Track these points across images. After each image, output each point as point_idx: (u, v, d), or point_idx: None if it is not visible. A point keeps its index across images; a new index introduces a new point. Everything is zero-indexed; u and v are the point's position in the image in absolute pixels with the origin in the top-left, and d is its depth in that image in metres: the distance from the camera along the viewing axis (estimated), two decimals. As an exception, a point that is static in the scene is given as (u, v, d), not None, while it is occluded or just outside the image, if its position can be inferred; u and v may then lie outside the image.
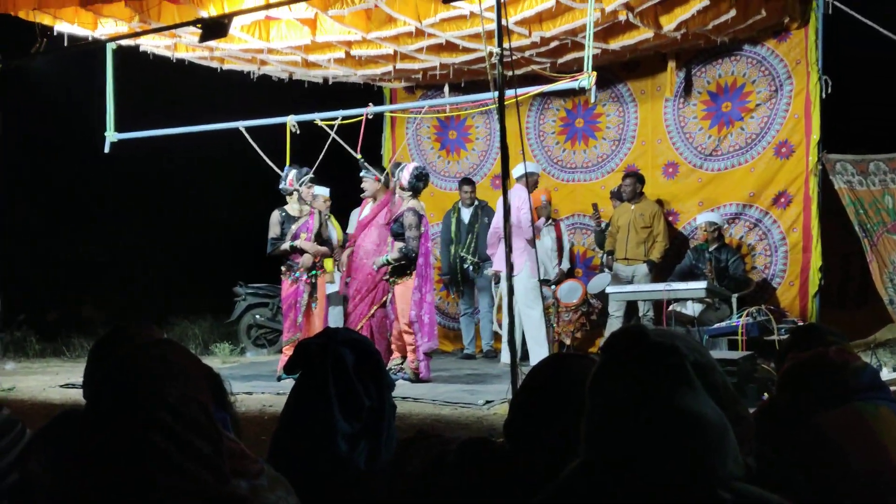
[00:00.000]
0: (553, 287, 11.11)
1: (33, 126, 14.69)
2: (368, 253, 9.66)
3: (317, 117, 9.99)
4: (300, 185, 9.69)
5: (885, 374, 8.01)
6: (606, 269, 11.46)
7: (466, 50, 10.40)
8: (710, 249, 10.63)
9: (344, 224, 11.37)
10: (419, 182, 9.46)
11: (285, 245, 9.59)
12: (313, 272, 9.65)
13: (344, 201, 11.27)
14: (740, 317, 9.42)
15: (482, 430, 6.79)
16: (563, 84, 8.82)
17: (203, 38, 8.80)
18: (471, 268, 11.58)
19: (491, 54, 7.22)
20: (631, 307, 10.98)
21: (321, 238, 9.75)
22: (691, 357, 1.87)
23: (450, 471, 2.37)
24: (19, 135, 10.42)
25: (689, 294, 9.92)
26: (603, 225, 11.45)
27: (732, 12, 9.65)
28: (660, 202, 11.38)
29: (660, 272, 11.03)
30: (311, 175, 9.75)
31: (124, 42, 10.20)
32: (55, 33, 9.71)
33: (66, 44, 9.81)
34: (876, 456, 2.72)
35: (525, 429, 2.38)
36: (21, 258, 14.07)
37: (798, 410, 2.89)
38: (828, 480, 2.71)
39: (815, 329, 3.76)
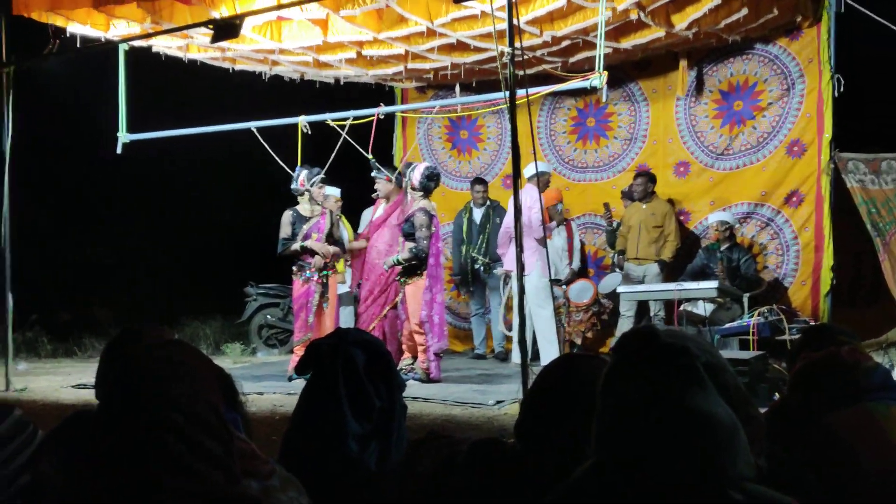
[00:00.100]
0: (564, 287, 11.10)
1: (43, 128, 14.72)
2: (381, 253, 9.67)
3: (328, 117, 10.01)
4: (311, 186, 9.70)
5: (898, 374, 7.97)
6: (617, 269, 11.44)
7: (478, 49, 10.40)
8: (722, 249, 10.60)
9: (355, 225, 11.37)
10: (430, 182, 9.46)
11: (295, 245, 9.60)
12: (324, 272, 9.65)
13: (355, 202, 11.28)
14: (752, 316, 9.41)
15: (493, 431, 6.79)
16: (575, 83, 8.81)
17: (215, 39, 8.82)
18: (482, 268, 11.57)
19: (502, 54, 7.22)
20: (642, 307, 10.97)
21: (332, 238, 9.76)
22: (702, 358, 1.87)
23: (460, 471, 2.37)
24: (29, 136, 10.44)
25: (700, 294, 9.90)
26: (614, 224, 11.43)
27: (744, 11, 9.63)
28: (671, 201, 11.36)
29: (671, 272, 11.02)
30: (322, 175, 9.76)
31: (136, 43, 10.23)
32: (68, 34, 9.75)
33: (78, 45, 9.85)
34: (887, 455, 2.71)
35: (535, 429, 2.38)
36: (31, 259, 14.10)
37: (809, 410, 2.88)
38: (839, 480, 2.70)
39: (826, 329, 3.76)
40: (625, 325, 10.81)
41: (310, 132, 10.13)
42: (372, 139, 9.77)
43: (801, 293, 10.79)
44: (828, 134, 10.49)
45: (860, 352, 3.06)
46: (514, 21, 7.05)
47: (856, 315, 10.82)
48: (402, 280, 9.40)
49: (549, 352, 9.62)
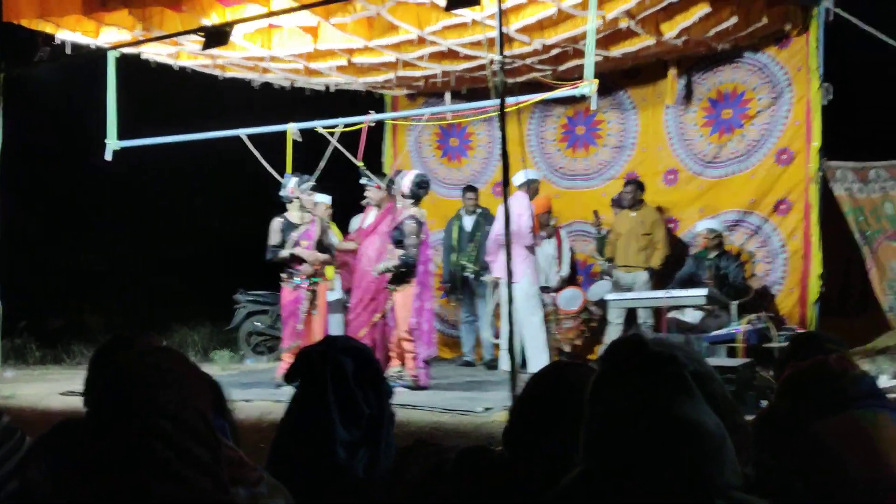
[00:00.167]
0: (553, 294, 11.10)
1: (33, 134, 14.67)
2: (371, 260, 9.67)
3: (318, 125, 9.99)
4: (301, 193, 9.70)
5: (885, 382, 8.01)
6: (606, 277, 11.46)
7: (468, 57, 10.41)
8: (710, 257, 10.62)
9: (345, 232, 11.36)
10: (420, 189, 9.47)
11: (284, 253, 9.60)
12: (314, 279, 9.65)
13: (345, 209, 11.28)
14: (740, 324, 9.43)
15: (481, 438, 6.79)
16: (565, 91, 8.81)
17: (205, 46, 8.80)
18: (471, 276, 11.56)
19: (492, 62, 7.25)
20: (631, 314, 10.99)
21: (322, 246, 9.76)
22: (690, 366, 1.87)
23: (448, 479, 2.37)
24: (19, 143, 10.42)
25: (688, 301, 9.92)
26: (603, 232, 11.45)
27: (734, 19, 9.66)
28: (660, 209, 11.38)
29: (660, 279, 11.04)
30: (312, 183, 9.77)
31: (126, 50, 10.21)
32: (57, 42, 9.72)
33: (68, 52, 9.83)
34: (874, 464, 2.72)
35: (524, 437, 2.38)
36: (20, 266, 14.06)
37: (797, 418, 2.89)
38: (826, 488, 2.71)
39: (814, 337, 3.78)
40: (613, 332, 10.82)
41: (300, 139, 10.11)
42: (362, 146, 9.77)
43: (789, 301, 10.82)
44: (816, 142, 10.51)
45: (848, 360, 3.07)
46: (504, 29, 7.07)
47: (844, 323, 10.85)
48: (391, 287, 9.41)
49: (539, 359, 9.62)
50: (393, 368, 9.49)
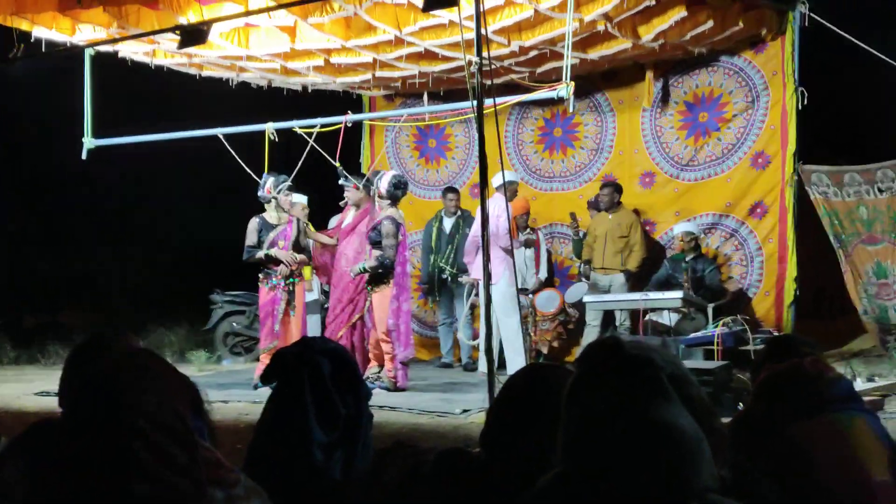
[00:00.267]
0: (531, 296, 11.11)
1: (9, 133, 14.58)
2: (350, 261, 9.66)
3: (295, 125, 9.96)
4: (278, 193, 9.69)
5: (860, 385, 8.06)
6: (584, 279, 11.48)
7: (446, 59, 10.40)
8: (687, 259, 10.66)
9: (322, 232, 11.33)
10: (397, 190, 9.48)
11: (261, 253, 9.58)
12: (291, 280, 9.63)
13: (322, 209, 11.25)
14: (716, 327, 9.47)
15: (459, 440, 6.79)
16: (542, 93, 8.84)
17: (182, 45, 8.78)
18: (449, 277, 11.56)
19: (470, 63, 7.23)
20: (608, 316, 11.03)
21: (299, 246, 9.74)
22: (667, 369, 1.88)
23: (426, 481, 2.37)
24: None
25: (665, 304, 9.97)
26: (581, 234, 11.47)
27: (710, 23, 9.71)
28: (637, 212, 11.42)
29: (637, 282, 11.07)
30: (289, 183, 9.75)
31: (102, 48, 10.16)
32: (33, 39, 9.65)
33: (43, 49, 9.76)
34: (849, 466, 2.74)
35: (501, 439, 2.39)
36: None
37: (773, 421, 2.91)
38: (802, 490, 2.72)
39: (789, 340, 3.80)
40: (591, 334, 10.86)
41: (277, 139, 10.08)
42: (339, 147, 9.74)
43: (764, 304, 10.87)
44: (792, 146, 10.58)
45: (823, 363, 3.09)
46: (482, 31, 7.06)
47: (820, 326, 10.95)
48: (369, 288, 9.40)
49: (516, 361, 9.62)
50: (371, 370, 9.49)
